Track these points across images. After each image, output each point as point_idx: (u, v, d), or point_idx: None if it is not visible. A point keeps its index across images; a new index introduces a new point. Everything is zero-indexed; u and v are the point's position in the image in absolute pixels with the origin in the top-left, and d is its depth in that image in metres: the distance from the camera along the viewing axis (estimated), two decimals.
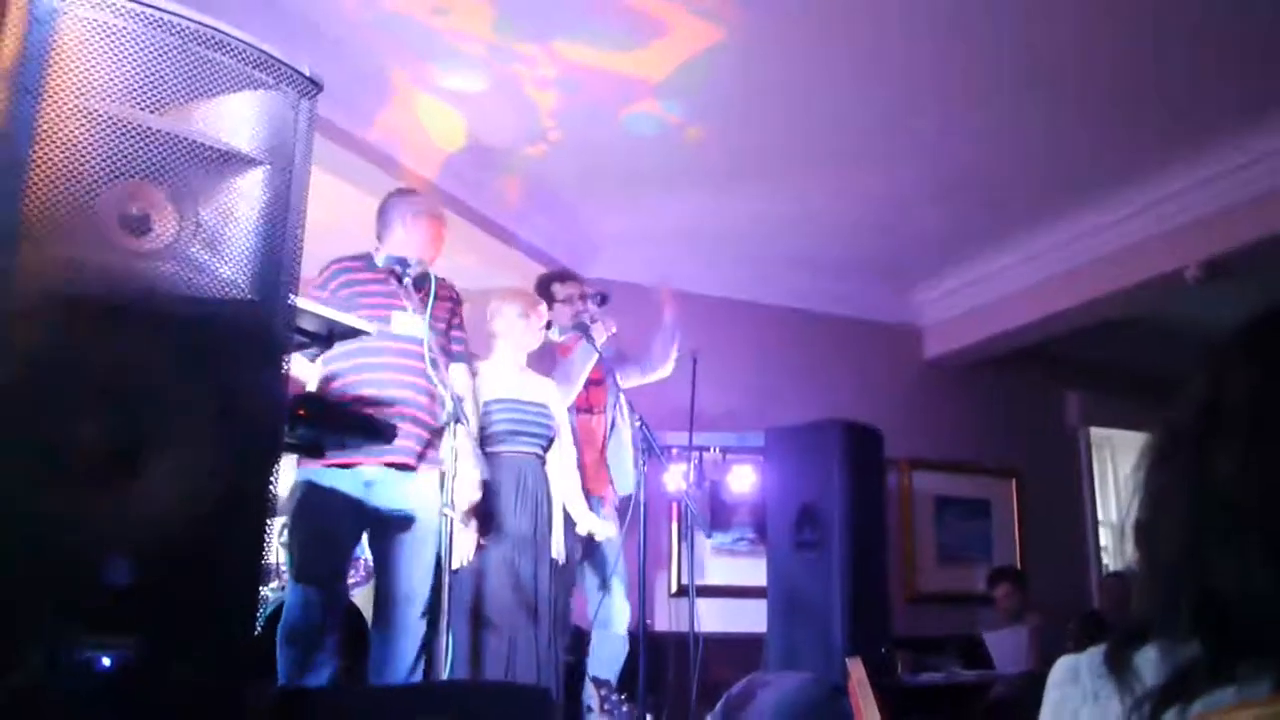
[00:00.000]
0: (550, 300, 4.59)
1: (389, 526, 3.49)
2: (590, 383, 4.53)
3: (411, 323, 3.49)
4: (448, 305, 3.74)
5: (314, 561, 3.39)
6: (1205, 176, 5.25)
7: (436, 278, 3.61)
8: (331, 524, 3.41)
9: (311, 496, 3.39)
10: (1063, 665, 0.86)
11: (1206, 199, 5.33)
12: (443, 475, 3.38)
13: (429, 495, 3.52)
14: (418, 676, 3.50)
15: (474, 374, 3.80)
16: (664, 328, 4.79)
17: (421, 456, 3.51)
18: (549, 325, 4.44)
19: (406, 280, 3.49)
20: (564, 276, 4.84)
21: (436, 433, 3.54)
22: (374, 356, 3.48)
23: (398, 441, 3.21)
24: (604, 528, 4.14)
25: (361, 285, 3.55)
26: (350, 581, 4.25)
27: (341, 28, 4.18)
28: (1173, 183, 5.37)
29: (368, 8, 4.06)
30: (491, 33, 4.22)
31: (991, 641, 6.21)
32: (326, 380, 3.45)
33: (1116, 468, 8.28)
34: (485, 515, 3.74)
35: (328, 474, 3.40)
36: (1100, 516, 7.80)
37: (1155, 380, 7.25)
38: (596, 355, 4.36)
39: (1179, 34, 4.12)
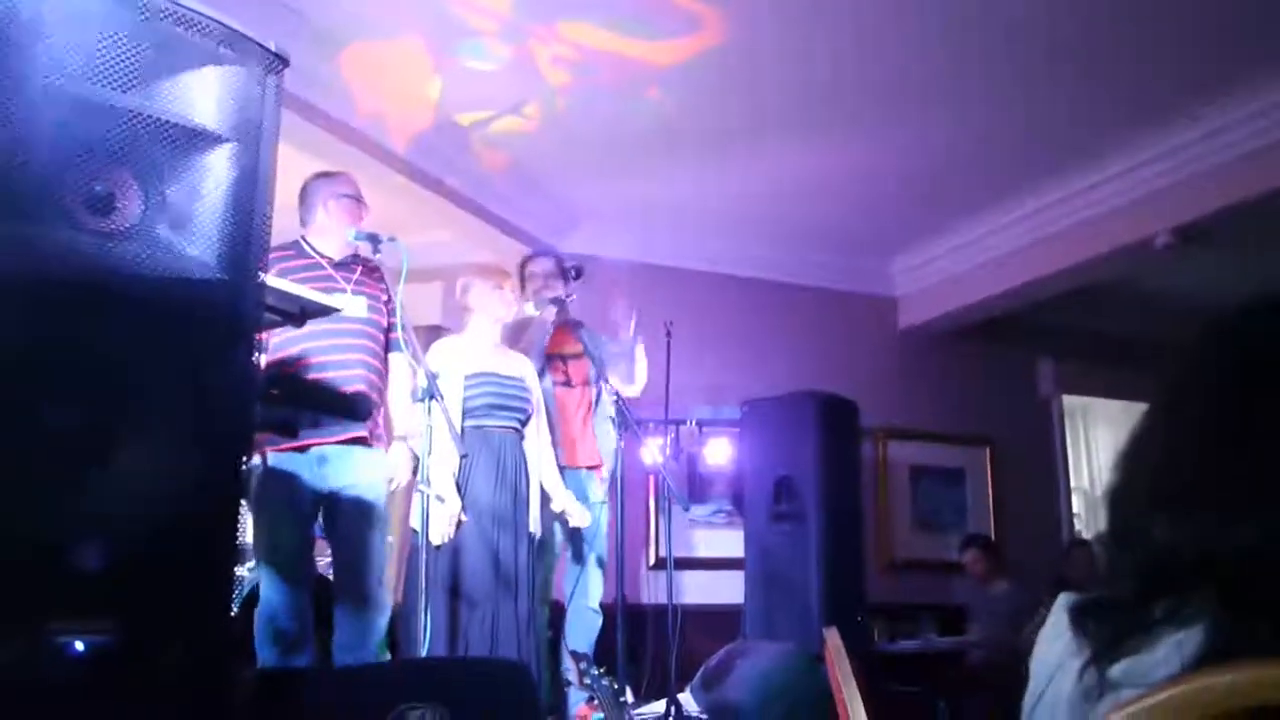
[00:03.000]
0: (523, 283, 4.65)
1: (343, 503, 3.52)
2: (569, 356, 4.53)
3: (353, 305, 3.49)
4: (384, 288, 3.73)
5: (283, 545, 3.42)
6: (1175, 145, 5.28)
7: (366, 260, 3.66)
8: (294, 506, 3.44)
9: (272, 481, 3.40)
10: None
11: (1177, 166, 5.36)
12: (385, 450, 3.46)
13: (378, 471, 3.58)
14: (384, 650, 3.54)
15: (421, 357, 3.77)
16: (630, 348, 4.75)
17: (372, 434, 3.57)
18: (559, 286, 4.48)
19: (378, 255, 3.50)
20: (539, 254, 4.87)
21: (380, 411, 3.64)
22: (320, 340, 3.48)
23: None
24: (579, 511, 4.13)
25: (297, 274, 3.50)
26: (326, 560, 4.26)
27: (307, 2, 4.13)
28: (1143, 151, 5.39)
29: None
30: (500, 7, 4.19)
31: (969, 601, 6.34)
32: (275, 366, 3.45)
33: (1089, 435, 8.35)
34: (463, 491, 3.74)
35: (284, 458, 3.42)
36: (1073, 483, 7.88)
37: (1128, 347, 7.32)
38: (550, 328, 4.37)
39: (1150, 4, 4.12)
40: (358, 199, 3.75)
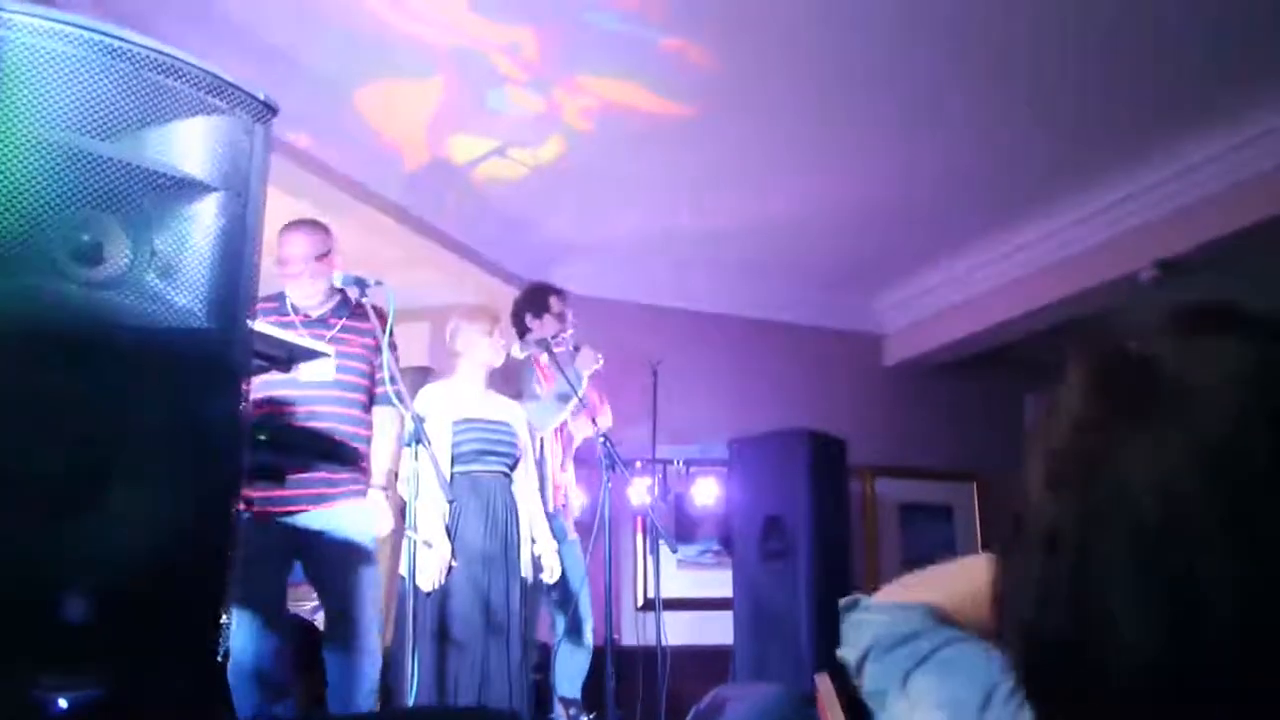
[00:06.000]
0: (543, 310, 4.58)
1: (327, 548, 3.47)
2: None
3: (320, 367, 3.35)
4: (368, 342, 3.63)
5: (259, 592, 3.33)
6: (1159, 179, 5.32)
7: (357, 307, 3.56)
8: (270, 552, 3.37)
9: (248, 526, 3.31)
10: None
11: (1160, 201, 5.40)
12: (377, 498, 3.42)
13: (358, 517, 3.52)
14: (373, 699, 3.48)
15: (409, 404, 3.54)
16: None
17: (353, 485, 3.52)
18: (527, 332, 4.44)
19: (366, 300, 3.46)
20: (560, 292, 4.78)
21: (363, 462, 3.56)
22: (297, 389, 3.41)
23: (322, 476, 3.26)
24: (553, 566, 4.08)
25: (284, 329, 3.45)
26: (312, 605, 4.22)
27: (300, 47, 4.15)
28: (1127, 185, 5.43)
29: (329, 24, 4.02)
30: (528, 56, 4.24)
31: None
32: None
33: None
34: (453, 536, 3.72)
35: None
36: None
37: None
38: (576, 398, 4.29)
39: (1132, 39, 4.17)
40: (299, 226, 3.62)
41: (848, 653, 1.03)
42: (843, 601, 1.08)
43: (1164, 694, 0.60)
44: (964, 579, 1.04)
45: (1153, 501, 0.61)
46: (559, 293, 4.75)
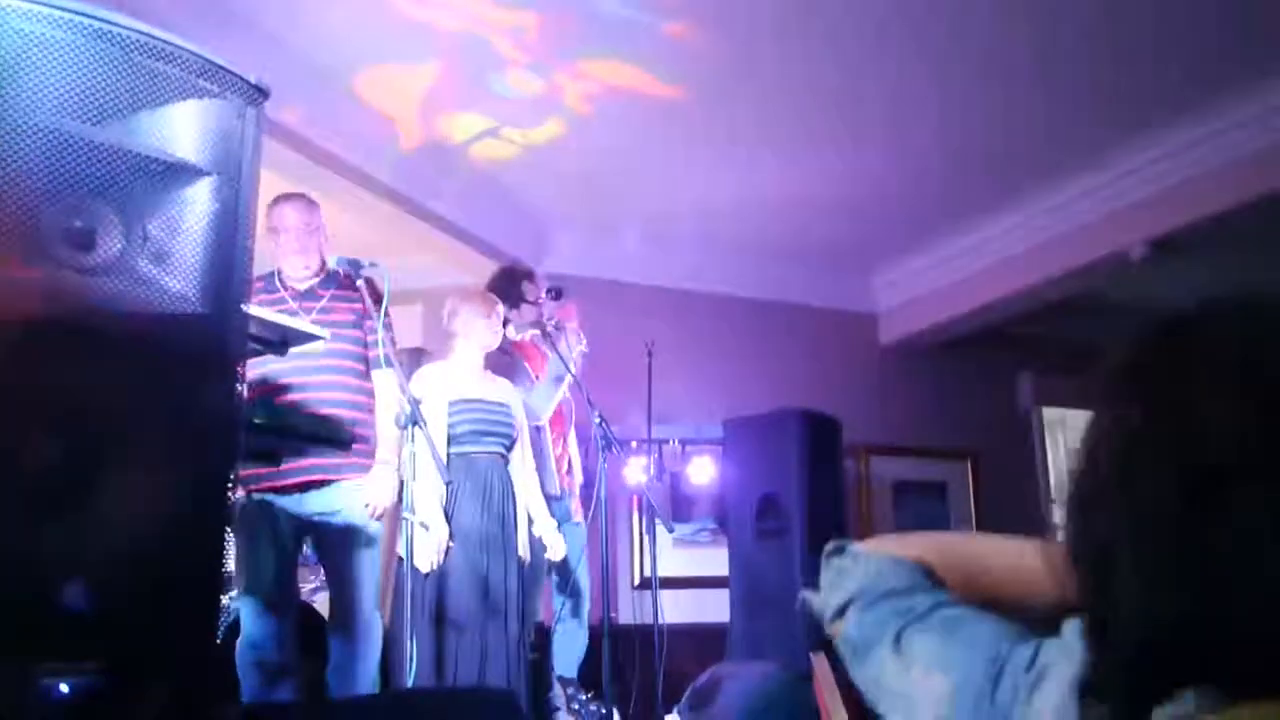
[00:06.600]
0: (519, 300, 4.55)
1: (331, 532, 3.47)
2: None
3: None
4: (358, 308, 3.60)
5: (263, 574, 3.35)
6: (1150, 158, 5.32)
7: (347, 279, 3.55)
8: (275, 534, 3.38)
9: (253, 508, 3.35)
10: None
11: (1151, 179, 5.40)
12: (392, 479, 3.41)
13: (361, 499, 3.50)
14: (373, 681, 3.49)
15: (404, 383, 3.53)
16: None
17: (351, 464, 3.49)
18: (506, 323, 4.41)
19: (360, 282, 3.47)
20: (530, 275, 4.72)
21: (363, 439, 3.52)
22: (287, 361, 3.31)
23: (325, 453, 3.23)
24: (556, 544, 4.09)
25: (272, 306, 3.38)
26: (310, 587, 4.23)
27: (299, 31, 4.12)
28: (1119, 164, 5.43)
29: (331, 7, 4.00)
30: (528, 38, 4.23)
31: None
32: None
33: (1069, 447, 8.38)
34: (449, 517, 3.72)
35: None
36: (1054, 496, 7.90)
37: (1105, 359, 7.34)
38: (570, 375, 4.29)
39: (1131, 20, 4.16)
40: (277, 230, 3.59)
41: (829, 596, 1.00)
42: (829, 545, 1.04)
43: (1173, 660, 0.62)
44: (959, 548, 1.03)
45: (1163, 484, 0.63)
46: (530, 276, 4.70)
